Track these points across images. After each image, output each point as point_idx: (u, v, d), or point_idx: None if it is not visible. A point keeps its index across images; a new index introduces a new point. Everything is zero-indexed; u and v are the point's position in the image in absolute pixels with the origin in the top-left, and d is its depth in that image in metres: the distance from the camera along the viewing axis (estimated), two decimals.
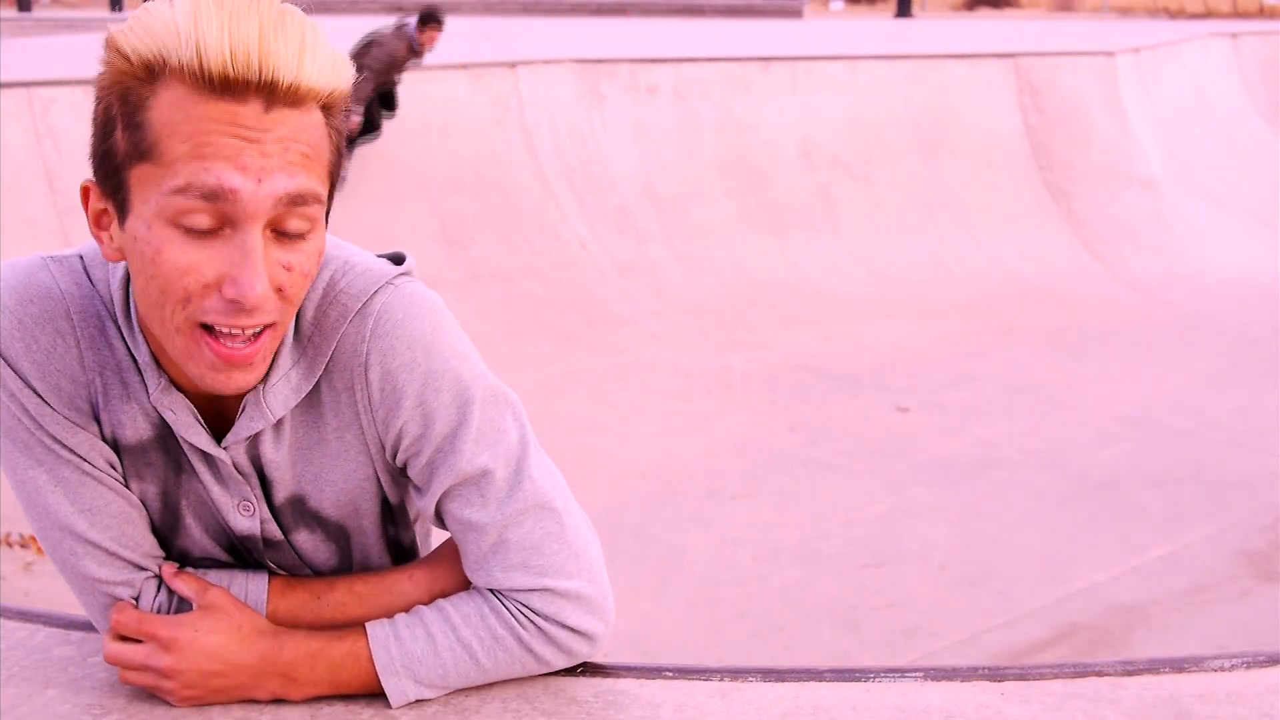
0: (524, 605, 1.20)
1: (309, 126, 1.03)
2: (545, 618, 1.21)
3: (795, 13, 24.21)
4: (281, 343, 1.15)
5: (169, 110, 1.00)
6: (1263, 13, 25.67)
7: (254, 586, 1.24)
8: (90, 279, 1.17)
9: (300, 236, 1.05)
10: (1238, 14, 25.53)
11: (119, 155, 1.03)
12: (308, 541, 1.28)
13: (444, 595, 1.24)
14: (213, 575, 1.25)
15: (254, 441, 1.20)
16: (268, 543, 1.27)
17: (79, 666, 1.28)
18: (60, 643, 1.33)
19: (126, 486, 1.22)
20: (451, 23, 9.05)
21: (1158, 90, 12.55)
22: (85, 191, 1.09)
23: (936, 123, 10.80)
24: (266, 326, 1.07)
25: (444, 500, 1.21)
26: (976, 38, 15.12)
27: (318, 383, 1.19)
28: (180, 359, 1.08)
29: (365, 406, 1.18)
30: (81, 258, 1.19)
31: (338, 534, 1.28)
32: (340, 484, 1.24)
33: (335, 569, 1.32)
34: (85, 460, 1.18)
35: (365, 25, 9.09)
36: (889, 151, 10.50)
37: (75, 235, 6.60)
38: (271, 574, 1.27)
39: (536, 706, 1.21)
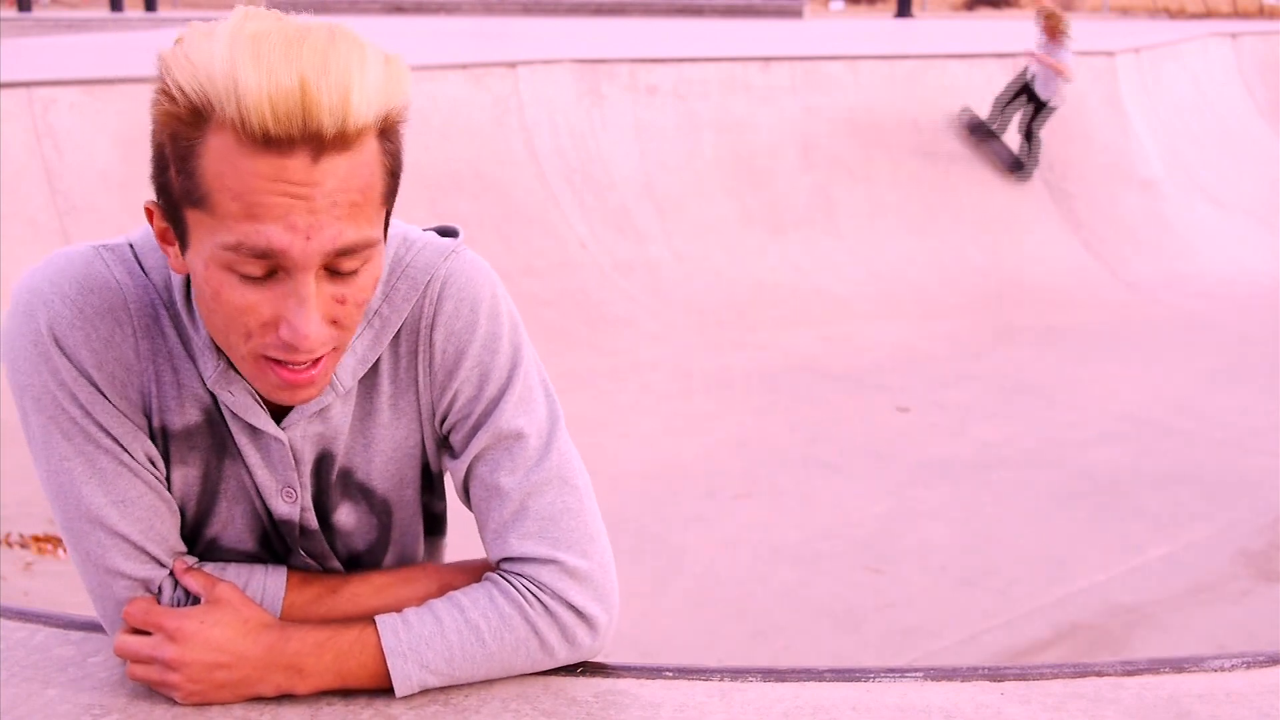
0: (532, 580, 1.22)
1: (360, 166, 1.03)
2: (552, 594, 1.22)
3: (795, 13, 24.21)
4: None
5: (218, 162, 0.99)
6: (1263, 13, 25.67)
7: (272, 581, 1.25)
8: (142, 268, 1.19)
9: (354, 273, 1.07)
10: (1238, 14, 25.53)
11: (175, 194, 1.05)
12: (350, 517, 1.30)
13: (453, 577, 1.27)
14: (232, 570, 1.25)
15: (315, 419, 1.23)
16: (304, 530, 1.28)
17: (79, 666, 1.28)
18: (60, 643, 1.33)
19: (169, 475, 1.23)
20: (451, 23, 9.05)
21: (1158, 90, 12.55)
22: (149, 212, 1.11)
23: (936, 123, 10.80)
24: (323, 356, 1.10)
25: (475, 463, 1.24)
26: (976, 38, 15.13)
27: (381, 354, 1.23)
28: (247, 377, 1.13)
29: (426, 369, 1.23)
30: (132, 246, 1.20)
31: (381, 508, 1.31)
32: (390, 453, 1.27)
33: (372, 546, 1.34)
34: (126, 451, 1.19)
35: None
36: (889, 151, 10.50)
37: (75, 235, 6.60)
38: (290, 569, 1.28)
39: (536, 706, 1.21)
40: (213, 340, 1.17)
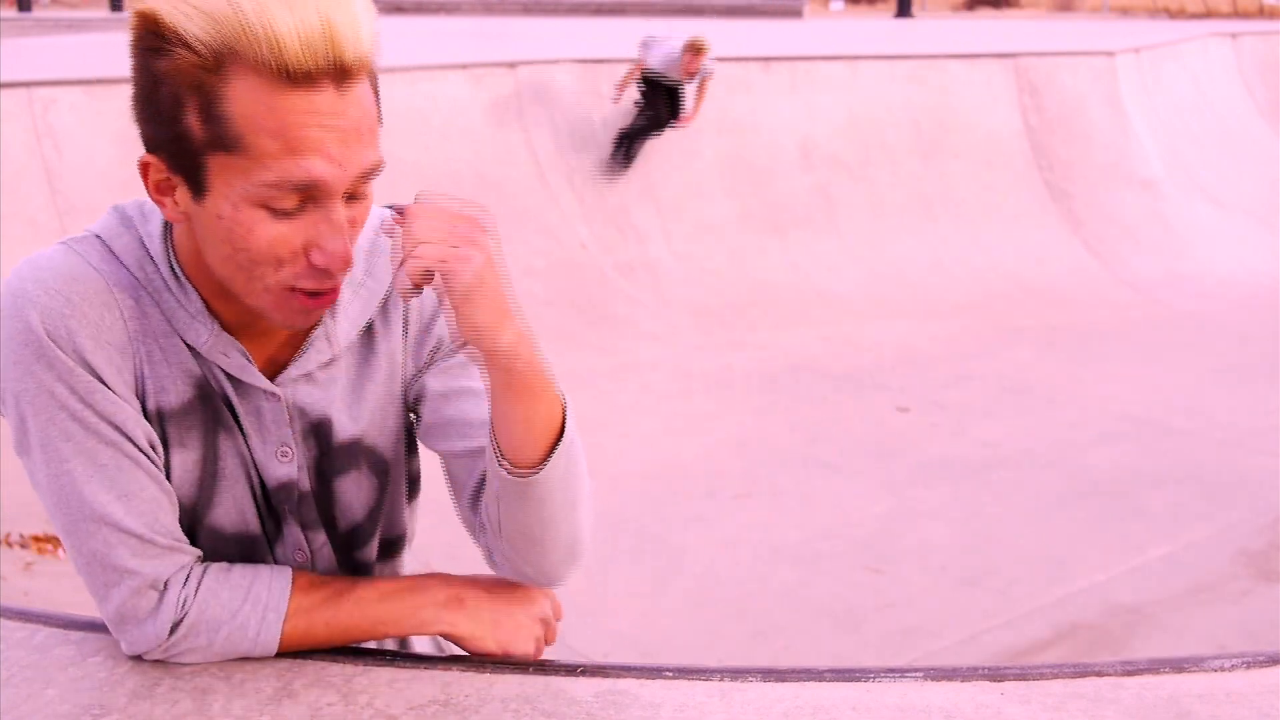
0: None
1: (366, 95, 1.10)
2: None
3: (795, 13, 24.21)
4: None
5: (249, 104, 1.04)
6: (1263, 13, 25.68)
7: (279, 578, 1.25)
8: (114, 253, 1.21)
9: (363, 195, 1.15)
10: (1238, 14, 25.54)
11: (195, 141, 1.08)
12: (353, 483, 1.32)
13: (467, 597, 1.29)
14: (238, 571, 1.25)
15: (307, 381, 1.27)
16: (302, 496, 1.30)
17: (79, 666, 1.28)
18: (60, 643, 1.33)
19: (168, 461, 1.24)
20: (451, 23, 9.05)
21: (1158, 90, 12.55)
22: (145, 167, 1.13)
23: (936, 123, 10.80)
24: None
25: (465, 377, 1.30)
26: (976, 38, 15.13)
27: (370, 318, 1.29)
28: (266, 308, 1.16)
29: (417, 316, 1.31)
30: (98, 236, 1.22)
31: (380, 468, 1.34)
32: (387, 408, 1.32)
33: (371, 511, 1.35)
34: (129, 439, 1.19)
35: None
36: (889, 151, 10.50)
37: None
38: (296, 571, 1.28)
39: (536, 706, 1.21)
40: (206, 307, 1.20)
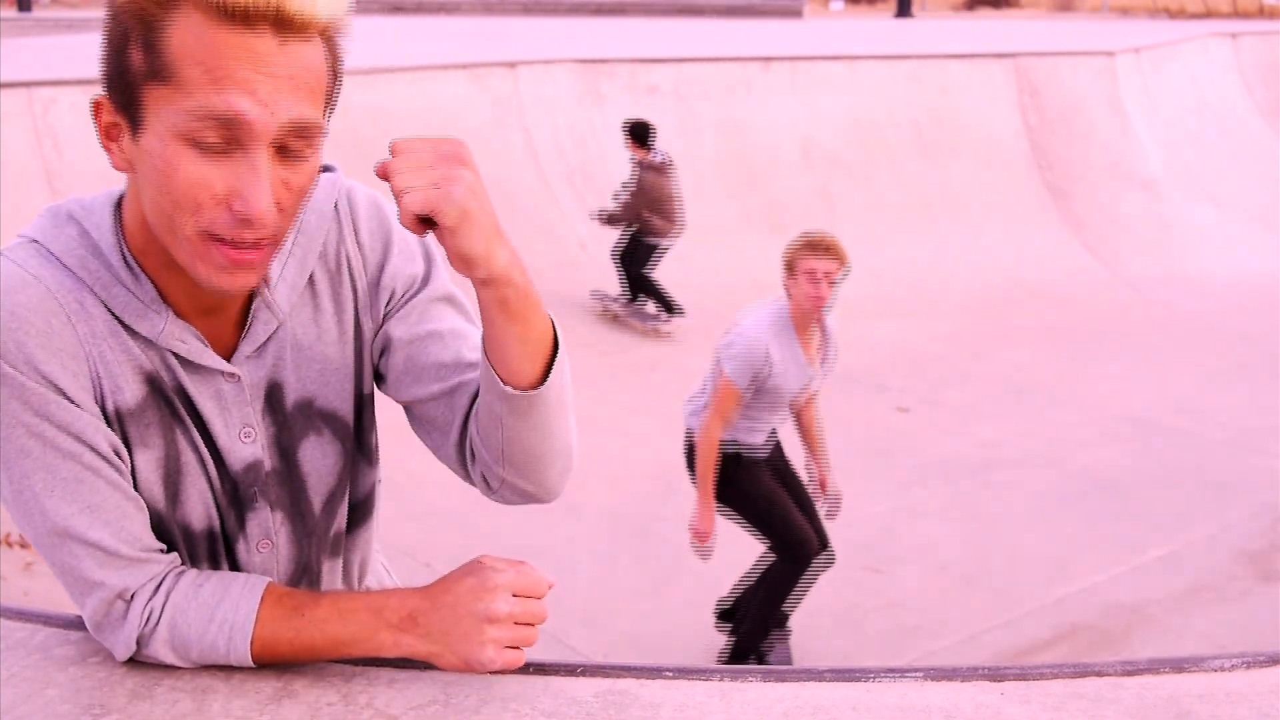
0: None
1: (313, 56, 1.10)
2: None
3: (795, 13, 24.22)
4: None
5: (185, 36, 1.06)
6: (1263, 13, 25.68)
7: (247, 597, 1.24)
8: (54, 255, 1.20)
9: (301, 158, 1.13)
10: (1238, 14, 25.54)
11: (134, 73, 1.10)
12: (315, 450, 1.32)
13: (418, 613, 1.23)
14: (214, 580, 1.25)
15: (260, 353, 1.27)
16: (268, 474, 1.29)
17: (79, 666, 1.28)
18: (60, 643, 1.33)
19: (133, 462, 1.23)
20: (451, 23, 9.05)
21: (1158, 90, 12.55)
22: (97, 106, 1.16)
23: (936, 123, 10.80)
24: (267, 238, 1.14)
25: (426, 322, 1.31)
26: (976, 38, 15.13)
27: (311, 276, 1.29)
28: (189, 261, 1.14)
29: (361, 272, 1.31)
30: (35, 240, 1.21)
31: (343, 432, 1.34)
32: (341, 370, 1.32)
33: (341, 477, 1.35)
34: (90, 448, 1.18)
35: (366, 26, 9.10)
36: (889, 151, 10.50)
37: None
38: (269, 585, 1.26)
39: (536, 706, 1.21)
40: (160, 295, 1.20)
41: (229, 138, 1.08)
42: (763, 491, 4.28)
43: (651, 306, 8.55)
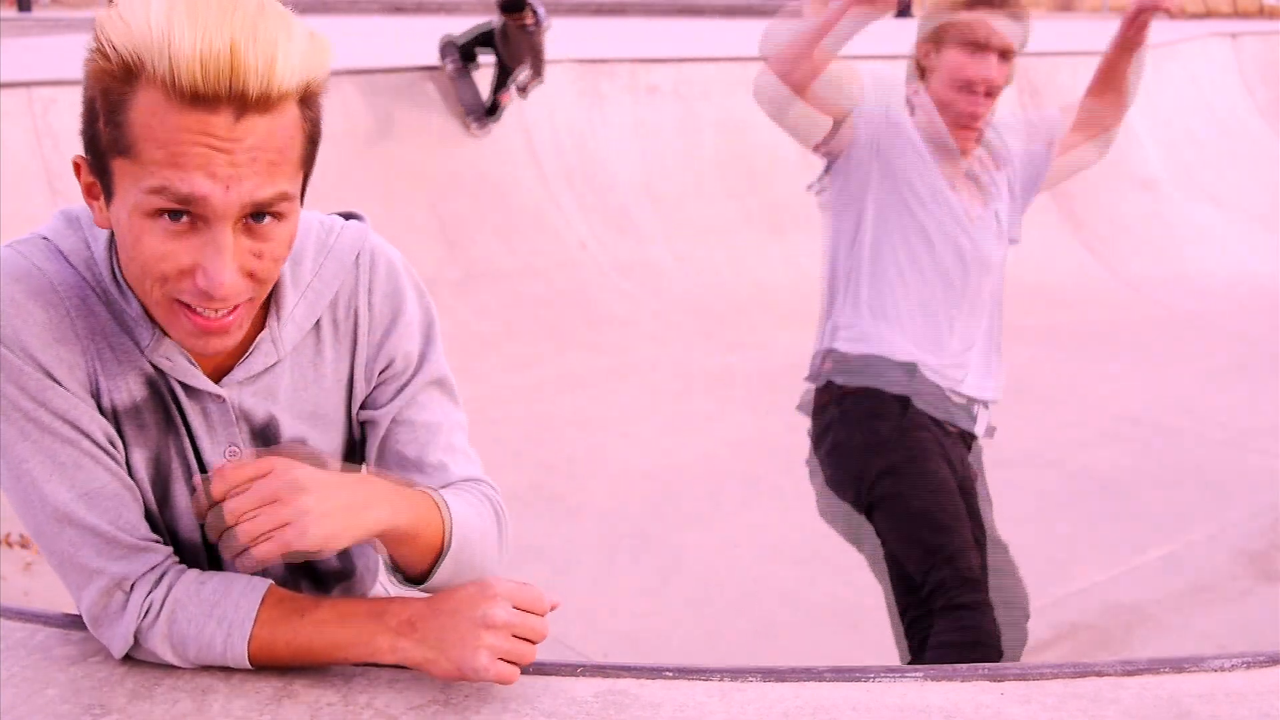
0: (486, 495, 1.37)
1: (279, 129, 1.08)
2: (500, 505, 1.38)
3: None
4: (282, 286, 1.25)
5: (145, 115, 1.05)
6: (1263, 13, 25.67)
7: (249, 596, 1.23)
8: (61, 252, 1.21)
9: (271, 228, 1.12)
10: (1238, 14, 25.53)
11: (102, 144, 1.10)
12: None
13: (417, 618, 1.23)
14: (217, 578, 1.25)
15: (252, 383, 1.27)
16: None
17: (79, 666, 1.28)
18: (60, 643, 1.33)
19: (128, 459, 1.24)
20: (452, 23, 9.05)
21: (1158, 90, 12.54)
22: (77, 166, 1.16)
23: None
24: (240, 305, 1.15)
25: (409, 407, 1.33)
26: None
27: (318, 321, 1.30)
28: (163, 322, 1.17)
29: (366, 330, 1.32)
30: (45, 237, 1.23)
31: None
32: (333, 416, 1.34)
33: None
34: (86, 436, 1.19)
35: (366, 26, 9.09)
36: None
37: None
38: (271, 585, 1.27)
39: (536, 706, 1.21)
40: (146, 312, 1.20)
41: (192, 215, 1.08)
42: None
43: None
